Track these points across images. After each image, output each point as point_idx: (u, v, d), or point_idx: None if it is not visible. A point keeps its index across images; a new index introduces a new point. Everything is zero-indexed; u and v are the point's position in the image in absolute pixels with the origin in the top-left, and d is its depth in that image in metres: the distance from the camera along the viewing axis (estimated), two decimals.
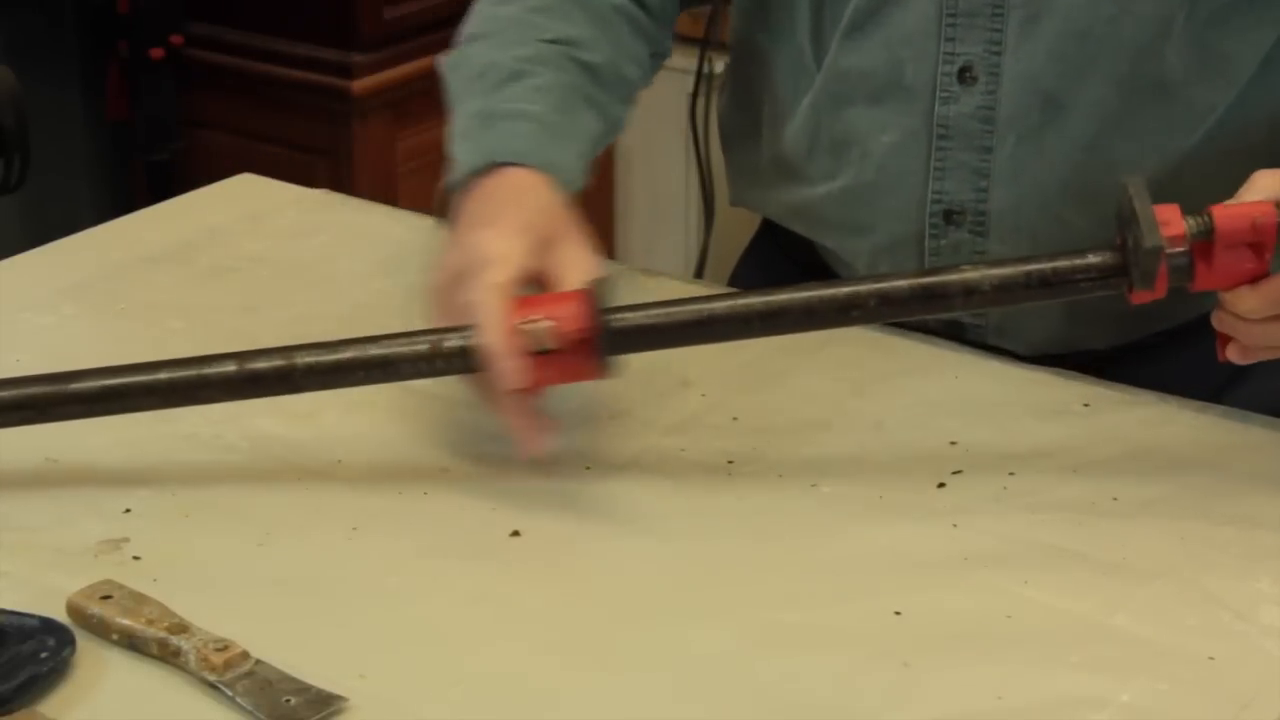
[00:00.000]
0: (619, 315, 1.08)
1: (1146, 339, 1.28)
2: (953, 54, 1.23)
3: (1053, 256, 1.08)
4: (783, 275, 1.40)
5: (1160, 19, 1.19)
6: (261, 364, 1.11)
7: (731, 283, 1.43)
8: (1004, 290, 1.08)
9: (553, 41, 1.26)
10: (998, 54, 1.22)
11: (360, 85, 2.60)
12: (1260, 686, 0.93)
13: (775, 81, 1.33)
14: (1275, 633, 0.97)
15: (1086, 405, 1.21)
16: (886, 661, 0.95)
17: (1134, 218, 1.05)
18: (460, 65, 1.28)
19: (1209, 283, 1.06)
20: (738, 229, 1.50)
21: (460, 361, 1.10)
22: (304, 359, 1.10)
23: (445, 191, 1.20)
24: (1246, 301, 1.06)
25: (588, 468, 1.14)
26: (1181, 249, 1.06)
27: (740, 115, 1.39)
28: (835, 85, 1.28)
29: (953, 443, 1.16)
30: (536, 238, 1.11)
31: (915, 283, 1.09)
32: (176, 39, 2.69)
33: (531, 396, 1.09)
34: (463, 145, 1.21)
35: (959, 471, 1.13)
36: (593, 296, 1.07)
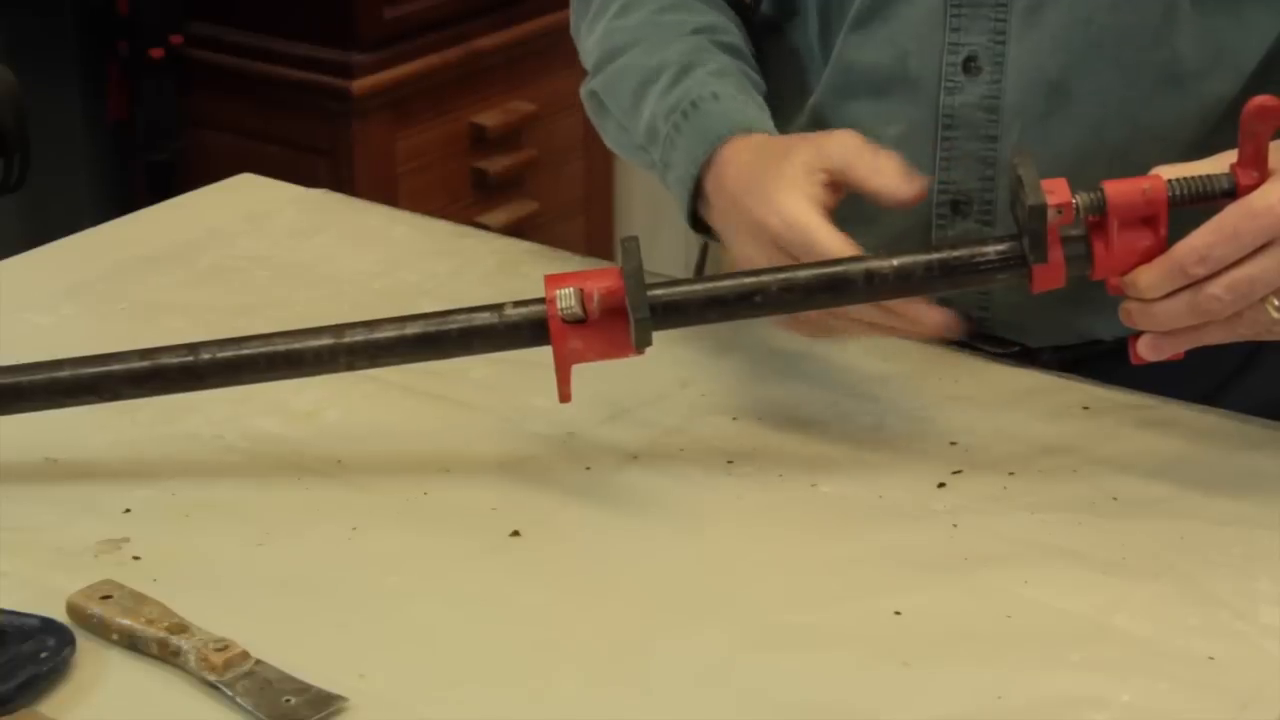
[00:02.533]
0: (657, 288, 1.08)
1: None
2: (958, 44, 1.23)
3: (954, 245, 1.09)
4: None
5: (1165, 6, 1.19)
6: (168, 359, 1.11)
7: None
8: (905, 278, 1.09)
9: (696, 32, 1.28)
10: (1002, 43, 1.22)
11: (360, 85, 2.60)
12: (1260, 686, 0.93)
13: (783, 80, 1.34)
14: (1275, 632, 0.97)
15: (1086, 408, 1.20)
16: (886, 661, 0.95)
17: (1019, 185, 1.06)
18: (617, 81, 1.29)
19: (1109, 265, 1.07)
20: None
21: (366, 355, 1.10)
22: (207, 354, 1.10)
23: (688, 195, 1.21)
24: (1144, 277, 1.06)
25: (588, 468, 1.14)
26: (1078, 232, 1.07)
27: None
28: (840, 79, 1.28)
29: (953, 443, 1.16)
30: (821, 170, 1.13)
31: (818, 272, 1.09)
32: (176, 39, 2.68)
33: (567, 375, 1.10)
34: (674, 142, 1.22)
35: (959, 471, 1.13)
36: (629, 271, 1.07)
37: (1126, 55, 1.20)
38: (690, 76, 1.24)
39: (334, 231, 1.47)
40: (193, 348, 1.11)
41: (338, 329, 1.11)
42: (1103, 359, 1.27)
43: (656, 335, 1.08)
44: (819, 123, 1.30)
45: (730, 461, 1.15)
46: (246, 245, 1.44)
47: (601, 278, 1.08)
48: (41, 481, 1.12)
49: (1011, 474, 1.13)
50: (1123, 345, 1.28)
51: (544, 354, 1.22)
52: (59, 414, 1.16)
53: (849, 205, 1.31)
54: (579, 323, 1.08)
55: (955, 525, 1.07)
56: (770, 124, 1.22)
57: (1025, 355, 1.29)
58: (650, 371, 1.22)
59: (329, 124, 2.63)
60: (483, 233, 1.53)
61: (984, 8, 1.22)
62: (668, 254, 2.95)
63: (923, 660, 0.95)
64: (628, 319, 1.07)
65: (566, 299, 1.07)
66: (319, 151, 2.64)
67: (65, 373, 1.11)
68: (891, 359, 1.26)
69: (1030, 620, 0.99)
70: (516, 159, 2.78)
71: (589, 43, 1.34)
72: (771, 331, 1.29)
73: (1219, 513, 1.08)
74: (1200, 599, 1.00)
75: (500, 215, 2.70)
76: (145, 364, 1.11)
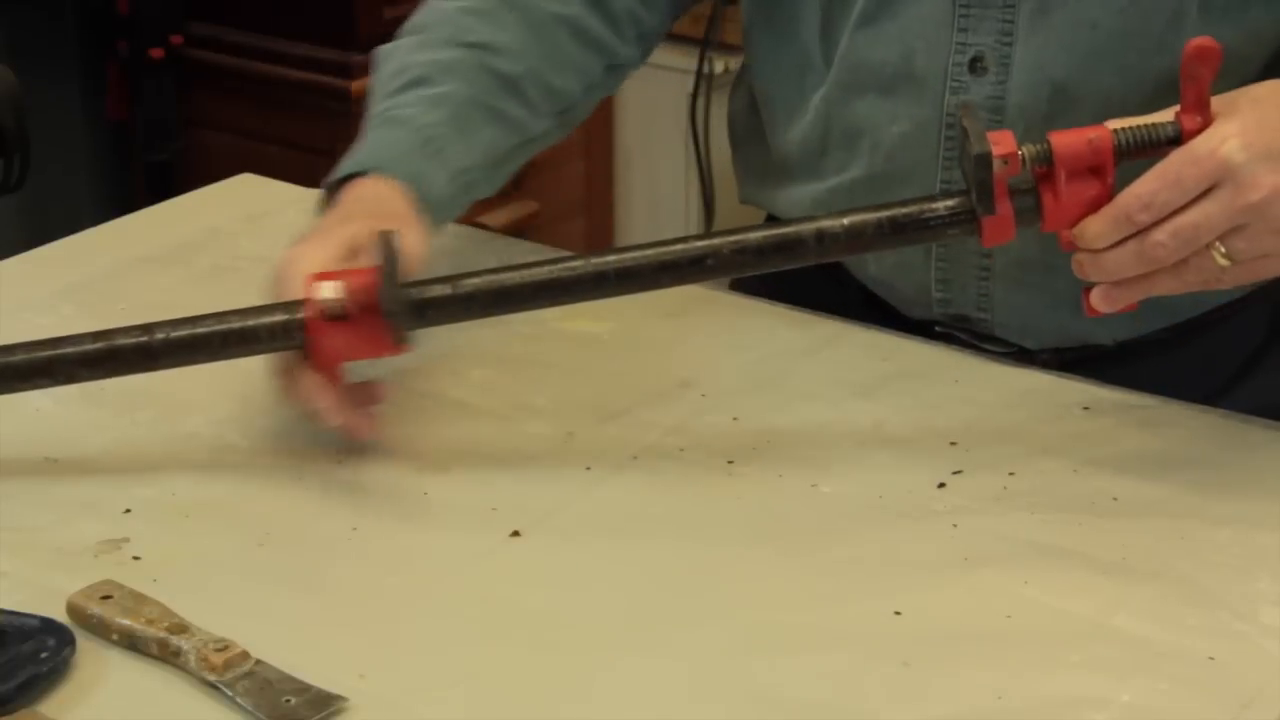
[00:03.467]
0: (415, 286, 1.09)
1: (1150, 335, 1.29)
2: (964, 44, 1.23)
3: (904, 202, 1.09)
4: (783, 274, 1.40)
5: (1172, 12, 1.19)
6: (122, 340, 1.10)
7: (731, 282, 1.43)
8: (856, 236, 1.09)
9: (472, 46, 1.27)
10: (1009, 44, 1.22)
11: (360, 85, 2.59)
12: (1260, 686, 0.93)
13: (783, 80, 1.34)
14: (1275, 633, 0.97)
15: (1086, 409, 1.20)
16: (886, 661, 0.95)
17: (965, 137, 1.06)
18: (387, 59, 1.30)
19: (1058, 216, 1.07)
20: None
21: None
22: (161, 334, 1.10)
23: (322, 193, 1.24)
24: (1092, 227, 1.06)
25: (588, 468, 1.14)
26: (1026, 184, 1.07)
27: (753, 115, 1.40)
28: (847, 78, 1.28)
29: (953, 443, 1.16)
30: (346, 247, 1.13)
31: (770, 233, 1.10)
32: (176, 39, 2.69)
33: (335, 375, 1.10)
34: (359, 142, 1.24)
35: (959, 471, 1.13)
36: (384, 266, 1.07)
37: (1131, 60, 1.20)
38: (411, 91, 1.25)
39: None
40: (147, 328, 1.11)
41: (290, 305, 1.11)
42: (1101, 360, 1.27)
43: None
44: (826, 122, 1.30)
45: (730, 461, 1.14)
46: (246, 245, 1.44)
47: (362, 275, 1.09)
48: (41, 481, 1.12)
49: (1011, 474, 1.13)
50: (1123, 348, 1.29)
51: (544, 354, 1.22)
52: (59, 414, 1.16)
53: (852, 204, 1.30)
54: (340, 319, 1.08)
55: (955, 525, 1.07)
56: (427, 169, 1.22)
57: (1023, 355, 1.29)
58: (650, 371, 1.22)
59: (329, 124, 2.63)
60: (483, 233, 1.53)
61: (992, 8, 1.22)
62: None
63: (923, 660, 0.95)
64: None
65: (328, 290, 1.08)
66: (319, 151, 2.62)
67: (18, 356, 1.11)
68: (891, 359, 1.26)
69: (1030, 620, 0.99)
70: None
71: (419, 6, 1.35)
72: (772, 332, 1.29)
73: (1219, 513, 1.08)
74: (1200, 599, 1.00)
75: (500, 215, 2.70)
76: (99, 345, 1.10)
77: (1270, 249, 1.06)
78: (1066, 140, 1.06)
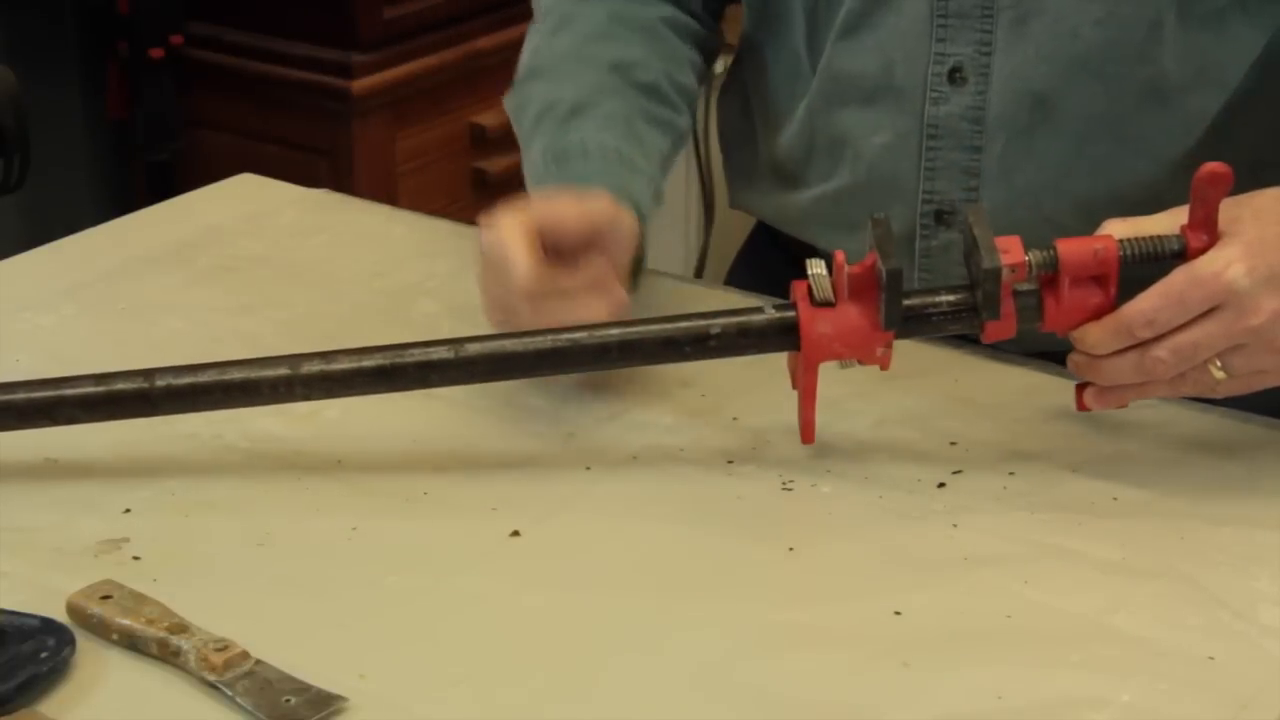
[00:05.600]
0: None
1: None
2: (943, 55, 1.24)
3: (907, 294, 1.09)
4: (777, 275, 1.40)
5: (1149, 22, 1.19)
6: (122, 385, 1.11)
7: (727, 282, 1.43)
8: None
9: (608, 67, 1.29)
10: (987, 55, 1.23)
11: (360, 85, 2.60)
12: (1260, 686, 0.93)
13: (773, 86, 1.34)
14: (1275, 632, 0.97)
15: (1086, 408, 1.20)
16: (886, 661, 0.95)
17: (974, 244, 1.07)
18: (524, 105, 1.32)
19: (1058, 320, 1.09)
20: (737, 229, 1.51)
21: (322, 387, 1.11)
22: (163, 381, 1.10)
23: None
24: (1092, 334, 1.08)
25: (588, 468, 1.14)
26: (1031, 287, 1.08)
27: (742, 120, 1.40)
28: (829, 87, 1.28)
29: (953, 443, 1.16)
30: (575, 201, 1.16)
31: (770, 317, 1.11)
32: (176, 39, 2.68)
33: (814, 379, 1.10)
34: (539, 189, 1.25)
35: (959, 471, 1.13)
36: (880, 241, 1.07)
37: (1111, 70, 1.21)
38: (576, 119, 1.26)
39: (334, 231, 1.47)
40: (148, 374, 1.11)
41: (294, 359, 1.11)
42: None
43: None
44: (810, 131, 1.31)
45: (730, 461, 1.15)
46: (246, 245, 1.44)
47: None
48: (41, 481, 1.12)
49: (1011, 474, 1.13)
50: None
51: None
52: None
53: (834, 214, 1.31)
54: (826, 306, 1.09)
55: (955, 525, 1.07)
56: (630, 182, 1.23)
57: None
58: (650, 371, 1.22)
59: (329, 124, 2.63)
60: None
61: (970, 19, 1.23)
62: (668, 254, 2.95)
63: (923, 660, 0.95)
64: (877, 300, 1.07)
65: (816, 268, 1.08)
66: (319, 151, 2.63)
67: (19, 395, 1.11)
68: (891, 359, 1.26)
69: (1030, 620, 0.99)
70: (516, 159, 2.77)
71: (523, 50, 1.36)
72: None
73: (1219, 513, 1.08)
74: (1200, 599, 1.00)
75: None
76: (99, 389, 1.11)
77: (1267, 366, 1.07)
78: (1072, 249, 1.07)
